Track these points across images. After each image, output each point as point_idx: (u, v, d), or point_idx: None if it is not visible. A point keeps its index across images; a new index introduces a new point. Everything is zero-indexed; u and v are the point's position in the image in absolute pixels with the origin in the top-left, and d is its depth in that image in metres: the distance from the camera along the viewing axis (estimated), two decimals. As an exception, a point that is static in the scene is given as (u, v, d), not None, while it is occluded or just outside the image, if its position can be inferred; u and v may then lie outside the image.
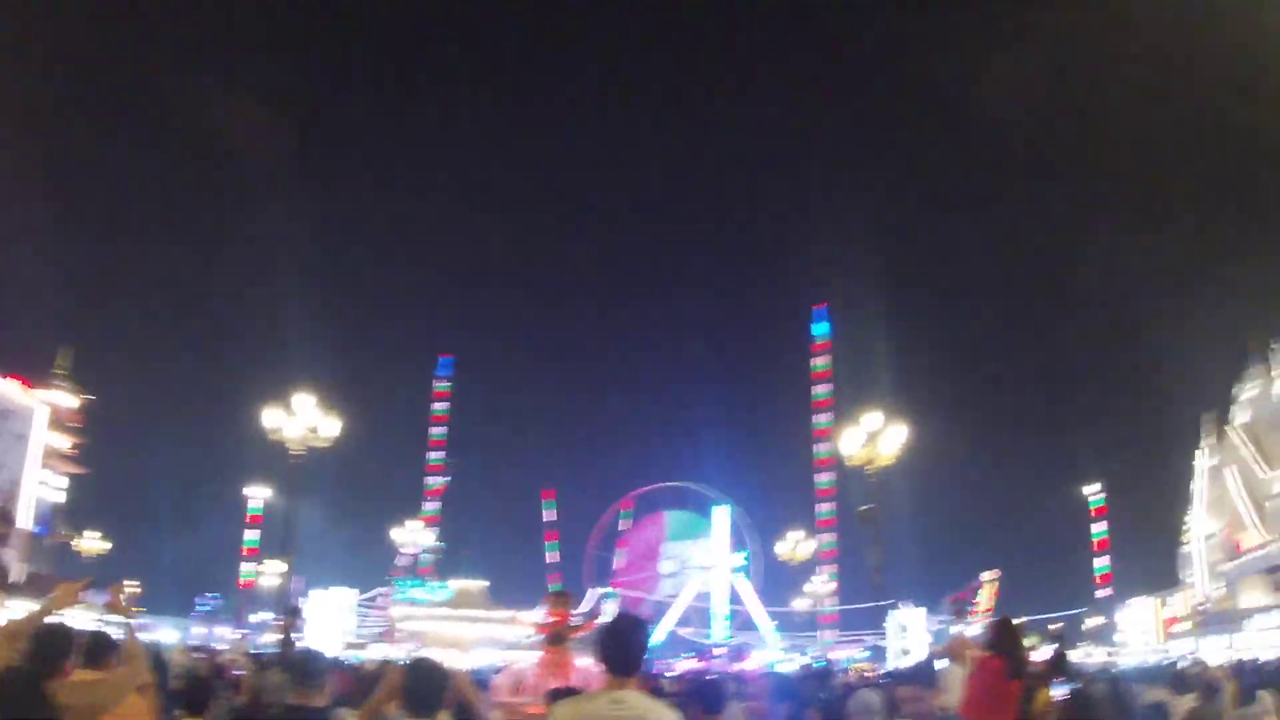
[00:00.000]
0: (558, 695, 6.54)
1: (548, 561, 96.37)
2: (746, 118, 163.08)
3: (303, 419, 29.39)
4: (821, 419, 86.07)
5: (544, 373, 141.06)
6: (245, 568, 72.35)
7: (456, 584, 72.26)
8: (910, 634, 66.61)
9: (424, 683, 5.85)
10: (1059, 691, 10.81)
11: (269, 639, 39.27)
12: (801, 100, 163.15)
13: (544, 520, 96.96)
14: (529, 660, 13.87)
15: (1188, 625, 55.55)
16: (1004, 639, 8.24)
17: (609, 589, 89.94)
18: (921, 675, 12.08)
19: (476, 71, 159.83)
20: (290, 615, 28.94)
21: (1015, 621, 8.76)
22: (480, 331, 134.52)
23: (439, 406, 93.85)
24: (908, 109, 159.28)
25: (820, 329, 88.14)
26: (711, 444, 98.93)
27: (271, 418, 29.33)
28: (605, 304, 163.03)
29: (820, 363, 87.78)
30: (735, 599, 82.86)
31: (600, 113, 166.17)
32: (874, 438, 26.74)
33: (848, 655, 59.50)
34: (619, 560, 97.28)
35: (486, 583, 73.09)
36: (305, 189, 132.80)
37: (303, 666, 6.70)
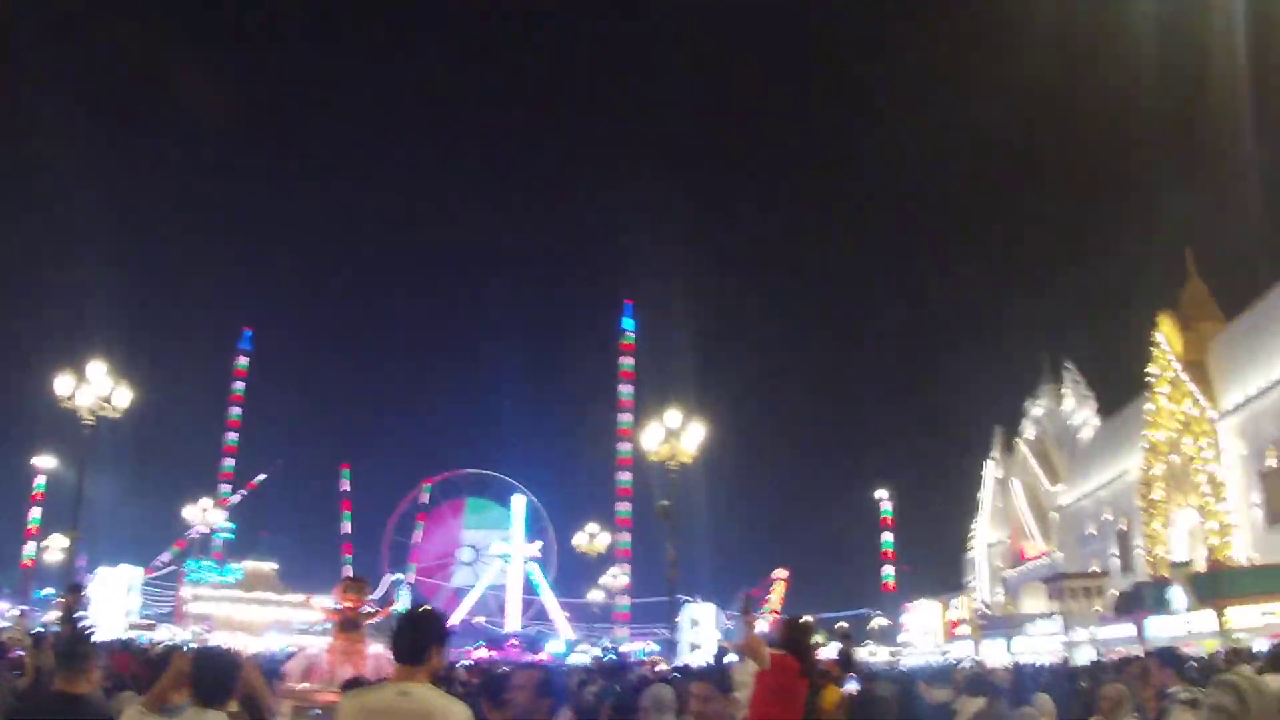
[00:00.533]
0: (349, 686, 6.48)
1: (342, 533, 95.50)
2: (561, 109, 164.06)
3: (95, 387, 27.76)
4: (624, 418, 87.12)
5: (349, 353, 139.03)
6: (28, 548, 68.41)
7: (247, 565, 70.32)
8: (701, 629, 67.83)
9: (213, 671, 5.67)
10: (848, 689, 10.91)
11: (51, 617, 37.07)
12: (618, 95, 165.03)
13: (340, 490, 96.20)
14: (321, 646, 13.42)
15: (969, 628, 57.99)
16: (794, 637, 8.30)
17: (404, 575, 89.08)
18: (713, 673, 12.09)
19: (280, 39, 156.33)
20: (73, 593, 27.29)
21: (805, 619, 8.85)
22: (285, 307, 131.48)
23: (238, 386, 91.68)
24: (724, 111, 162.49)
25: (627, 324, 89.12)
26: (515, 432, 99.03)
27: (63, 384, 27.65)
28: (416, 286, 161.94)
29: (625, 362, 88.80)
30: (531, 589, 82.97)
31: (416, 95, 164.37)
32: (675, 435, 26.91)
33: (640, 648, 60.24)
34: (416, 545, 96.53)
35: (276, 565, 71.36)
36: (107, 153, 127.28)
37: (68, 650, 6.34)
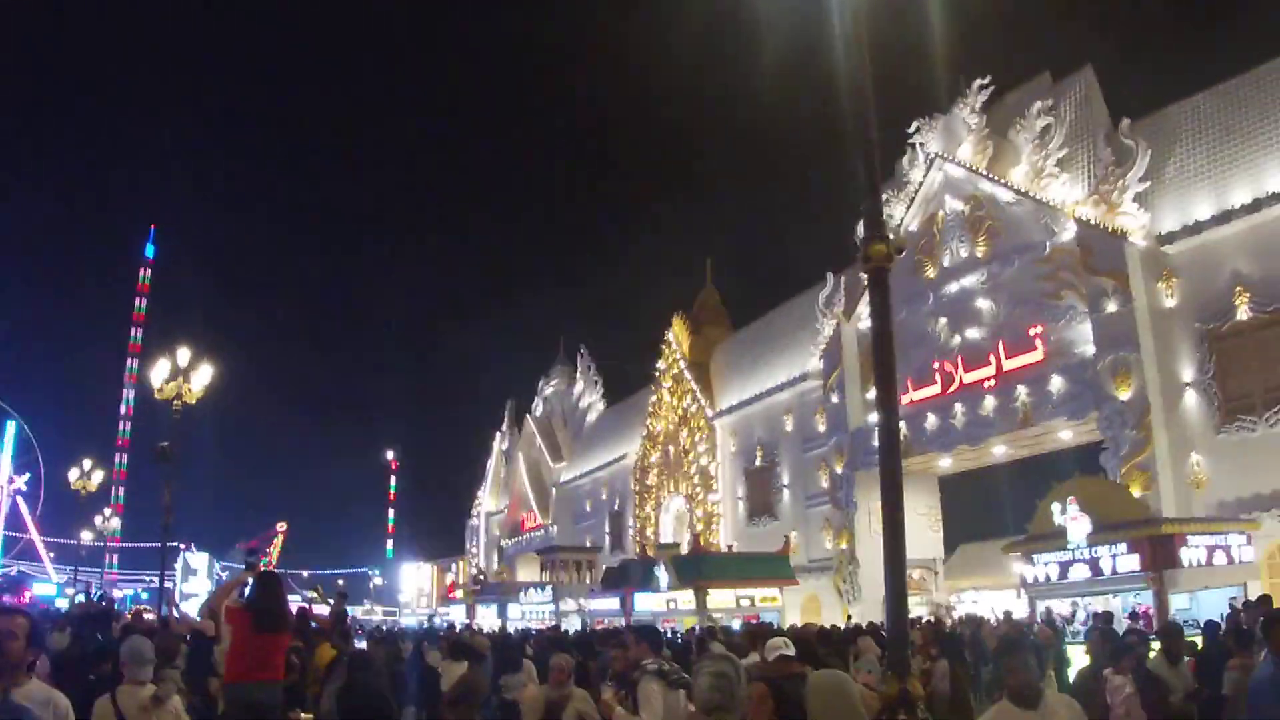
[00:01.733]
0: None
1: None
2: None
3: None
4: (133, 363, 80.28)
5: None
6: None
7: None
8: (197, 578, 63.88)
9: None
10: (356, 647, 11.35)
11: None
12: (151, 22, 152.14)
13: None
14: None
15: (463, 593, 58.63)
16: (264, 593, 8.37)
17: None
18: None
19: None
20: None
21: (275, 571, 8.92)
22: None
23: None
24: (270, 53, 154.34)
25: (149, 252, 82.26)
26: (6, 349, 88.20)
27: None
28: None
29: (140, 305, 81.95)
30: (15, 524, 73.99)
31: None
32: (183, 373, 24.61)
33: (128, 594, 55.74)
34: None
35: None
36: None
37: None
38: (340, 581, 76.30)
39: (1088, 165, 26.38)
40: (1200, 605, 17.38)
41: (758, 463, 41.15)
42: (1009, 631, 17.87)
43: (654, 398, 49.11)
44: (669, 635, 20.05)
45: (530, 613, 45.28)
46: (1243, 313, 23.13)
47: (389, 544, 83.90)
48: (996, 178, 28.47)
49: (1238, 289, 23.21)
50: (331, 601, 17.22)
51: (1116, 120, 26.07)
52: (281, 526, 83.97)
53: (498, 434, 76.29)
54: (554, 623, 39.92)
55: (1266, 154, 23.07)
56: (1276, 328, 22.65)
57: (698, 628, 24.49)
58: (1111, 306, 24.62)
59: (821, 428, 35.81)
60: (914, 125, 31.68)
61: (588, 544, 54.47)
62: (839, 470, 34.05)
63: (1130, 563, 18.06)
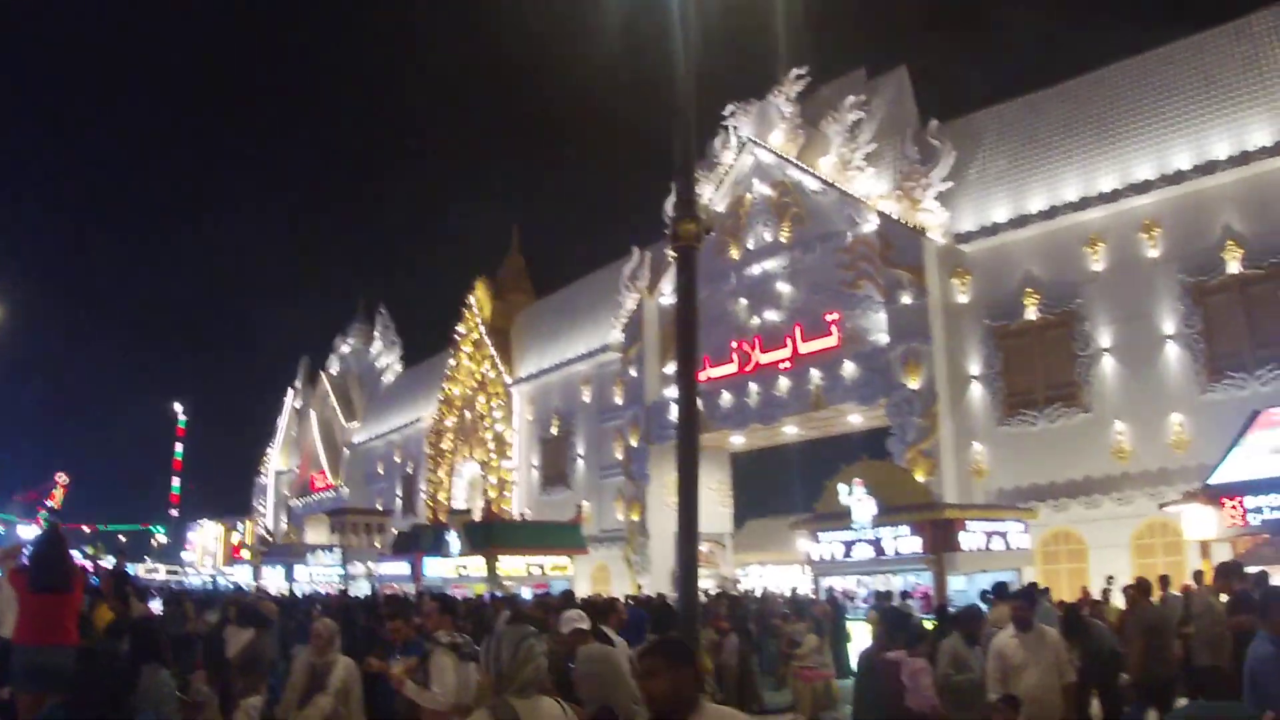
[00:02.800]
0: None
1: None
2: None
3: None
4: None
5: None
6: None
7: None
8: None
9: None
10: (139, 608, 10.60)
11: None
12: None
13: None
14: None
15: (250, 553, 56.09)
16: (45, 550, 7.76)
17: None
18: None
19: None
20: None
21: (86, 529, 7.88)
22: None
23: None
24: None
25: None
26: None
27: None
28: None
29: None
30: None
31: None
32: None
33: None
34: None
35: None
36: None
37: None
38: (121, 538, 72.08)
39: (894, 162, 26.69)
40: (976, 588, 17.68)
41: (553, 432, 40.45)
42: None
43: (453, 361, 47.68)
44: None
45: (318, 576, 43.60)
46: (1031, 313, 23.84)
47: (173, 500, 79.38)
48: (805, 166, 28.54)
49: (1028, 290, 23.89)
50: (113, 559, 15.78)
51: (926, 120, 26.45)
52: (61, 478, 78.49)
53: (291, 390, 73.03)
54: (342, 587, 38.54)
55: (1064, 164, 23.78)
56: (1061, 329, 23.42)
57: (487, 595, 23.80)
58: (906, 299, 24.97)
59: (619, 400, 35.36)
60: (729, 108, 31.46)
61: (379, 507, 52.96)
62: (634, 443, 33.71)
63: (912, 544, 18.22)
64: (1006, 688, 7.48)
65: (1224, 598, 10.84)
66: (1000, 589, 13.53)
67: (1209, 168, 21.40)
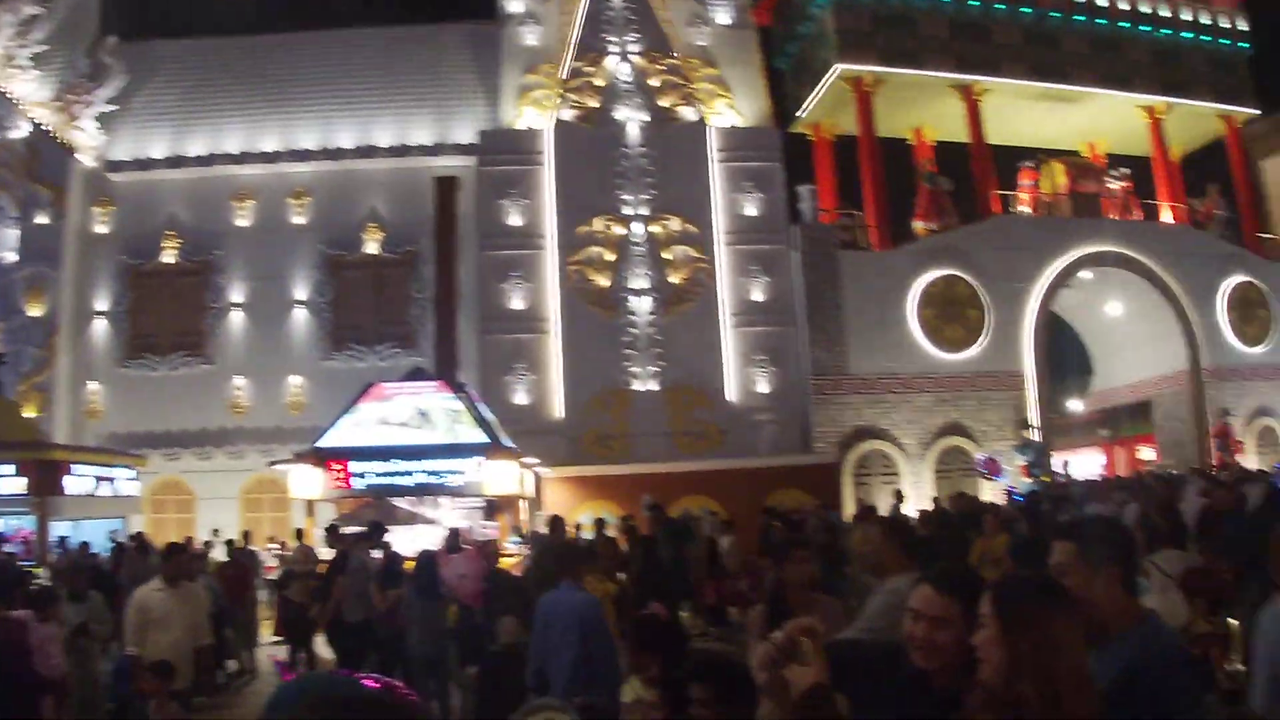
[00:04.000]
0: None
1: None
2: None
3: None
4: None
5: None
6: None
7: None
8: None
9: None
10: None
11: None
12: None
13: None
14: None
15: None
16: None
17: None
18: None
19: None
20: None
21: None
22: None
23: None
24: None
25: None
26: None
27: None
28: None
29: None
30: None
31: None
32: None
33: None
34: None
35: None
36: None
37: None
38: None
39: (62, 71, 23.85)
40: (83, 534, 16.68)
41: None
42: None
43: None
44: None
45: None
46: (170, 256, 23.03)
47: None
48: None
49: (170, 233, 23.04)
50: None
51: (107, 34, 24.00)
52: None
53: None
54: None
55: (233, 115, 23.45)
56: (196, 277, 23.00)
57: None
58: (43, 219, 22.45)
59: None
60: None
61: None
62: None
63: (16, 485, 16.57)
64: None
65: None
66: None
67: (368, 151, 22.93)
